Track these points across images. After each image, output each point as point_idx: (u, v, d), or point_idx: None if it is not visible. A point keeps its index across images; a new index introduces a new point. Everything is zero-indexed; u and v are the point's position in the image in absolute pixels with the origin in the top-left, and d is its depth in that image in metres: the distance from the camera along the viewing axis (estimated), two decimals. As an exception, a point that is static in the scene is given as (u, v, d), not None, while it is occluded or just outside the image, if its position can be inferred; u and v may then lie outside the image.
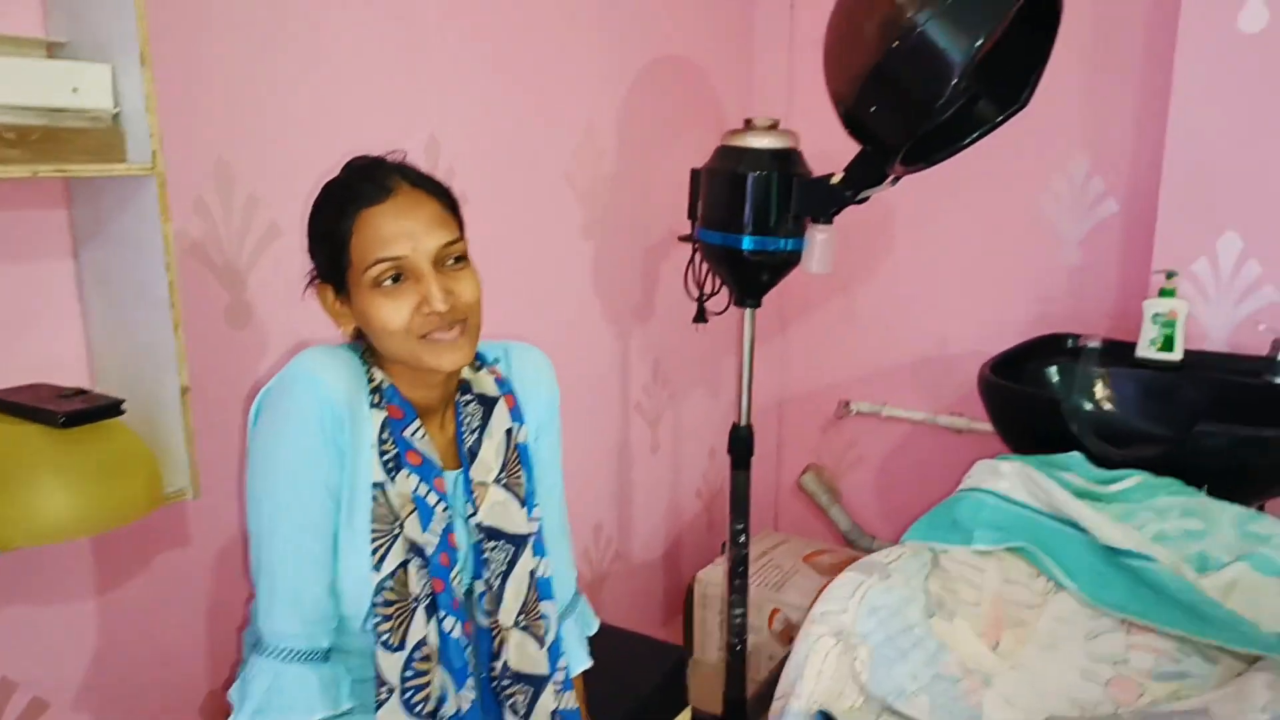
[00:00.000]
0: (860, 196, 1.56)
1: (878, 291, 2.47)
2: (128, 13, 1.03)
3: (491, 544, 1.05)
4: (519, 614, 1.06)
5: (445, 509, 1.01)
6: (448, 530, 1.01)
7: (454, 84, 1.65)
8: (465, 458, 1.06)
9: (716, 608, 2.29)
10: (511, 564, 1.06)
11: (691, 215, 1.76)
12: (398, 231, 0.94)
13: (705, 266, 1.83)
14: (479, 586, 1.05)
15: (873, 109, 1.39)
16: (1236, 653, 1.30)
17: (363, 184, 0.96)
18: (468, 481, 1.05)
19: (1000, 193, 2.25)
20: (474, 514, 1.05)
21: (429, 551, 0.98)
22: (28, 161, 0.98)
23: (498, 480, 1.06)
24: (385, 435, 0.99)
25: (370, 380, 1.01)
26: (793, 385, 2.68)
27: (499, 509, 1.05)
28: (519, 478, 1.08)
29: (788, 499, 2.76)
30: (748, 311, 1.78)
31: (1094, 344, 1.91)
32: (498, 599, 1.05)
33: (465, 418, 1.07)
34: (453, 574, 1.00)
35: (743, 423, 1.83)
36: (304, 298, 1.10)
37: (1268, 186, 1.80)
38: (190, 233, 1.28)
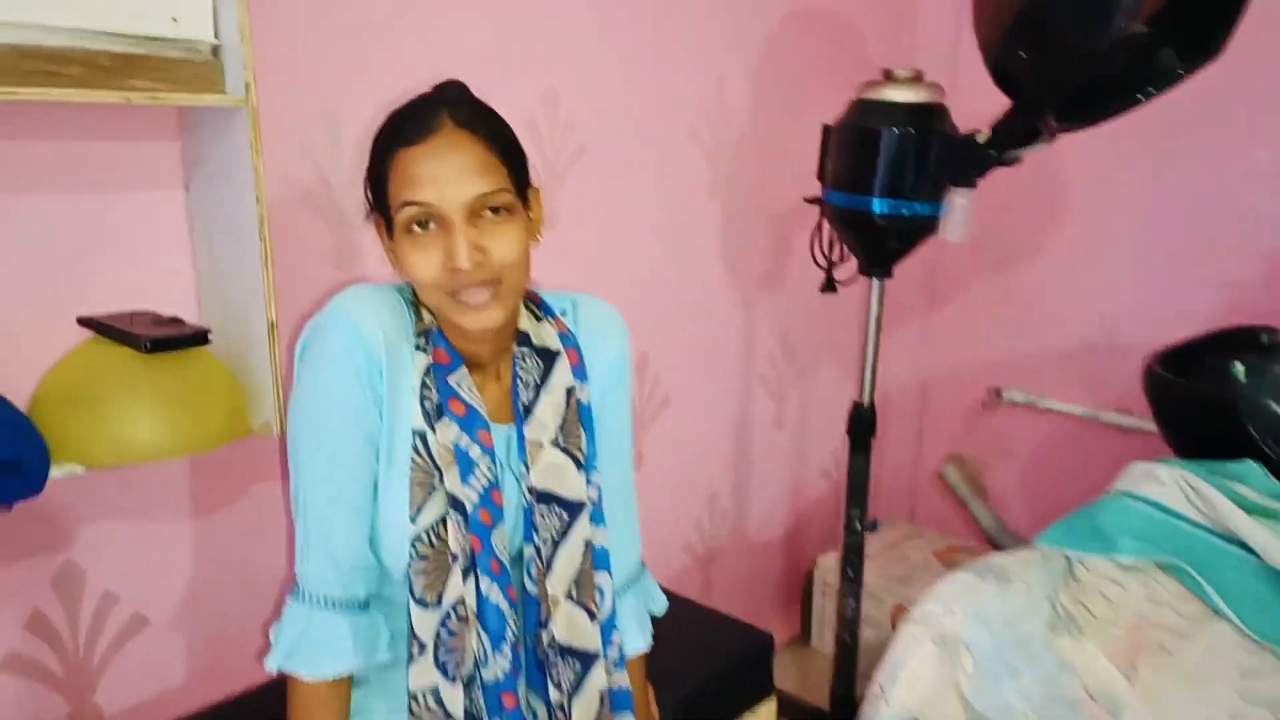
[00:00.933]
0: (1009, 156, 1.39)
1: (1040, 270, 2.24)
2: (227, -61, 1.03)
3: (543, 508, 0.99)
4: (571, 584, 1.00)
5: (490, 464, 0.95)
6: (492, 487, 0.95)
7: (575, 34, 1.59)
8: (520, 413, 1.00)
9: (835, 597, 2.17)
10: (565, 531, 0.99)
11: (821, 176, 1.63)
12: (426, 175, 0.87)
13: (832, 232, 1.70)
14: (528, 551, 1.00)
15: (1022, 54, 1.23)
16: None
17: (406, 120, 0.91)
18: (521, 439, 0.99)
19: (1187, 163, 1.97)
20: (526, 474, 0.99)
21: (468, 507, 0.94)
22: (123, 89, 1.00)
23: (554, 441, 1.00)
24: (428, 381, 0.94)
25: (418, 321, 0.97)
26: (938, 367, 2.49)
27: (554, 471, 0.99)
28: (578, 439, 1.01)
29: (925, 489, 2.58)
30: (874, 282, 1.64)
31: (1289, 339, 1.64)
32: (548, 567, 0.99)
33: (522, 371, 1.00)
34: (494, 534, 0.95)
35: (865, 401, 1.69)
36: (363, 226, 1.06)
37: None
38: (297, 175, 1.29)
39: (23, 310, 1.10)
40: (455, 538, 0.93)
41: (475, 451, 0.94)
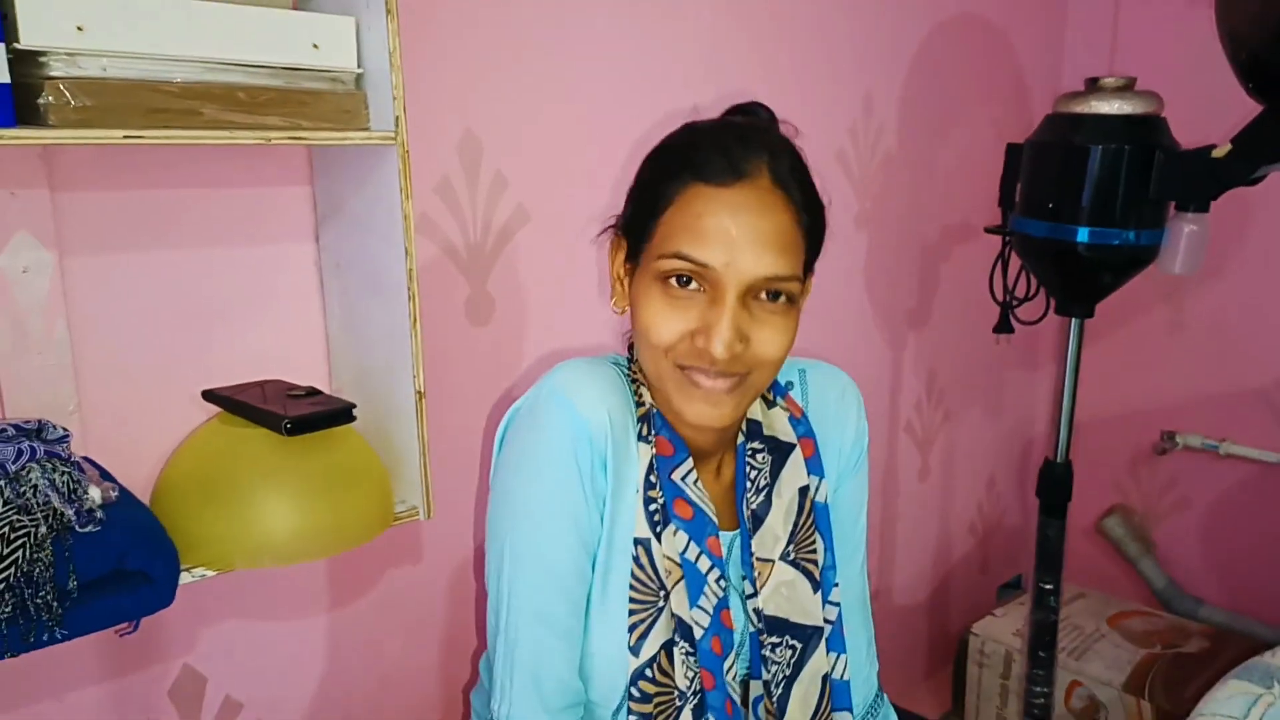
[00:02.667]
0: (1257, 174, 1.18)
1: (1217, 296, 1.99)
2: (372, -46, 0.88)
3: (774, 637, 0.80)
4: None
5: (720, 578, 0.77)
6: (721, 606, 0.77)
7: (719, 52, 1.42)
8: (744, 520, 0.82)
9: (997, 669, 1.93)
10: (799, 665, 0.80)
11: (1005, 202, 1.43)
12: (719, 232, 0.70)
13: (1018, 265, 1.50)
14: (755, 687, 0.81)
15: (1302, 50, 1.02)
16: None
17: (714, 150, 0.73)
18: (747, 550, 0.81)
19: None
20: (753, 595, 0.80)
21: (697, 633, 0.76)
22: (261, 128, 0.85)
23: (784, 555, 0.81)
24: (653, 478, 0.76)
25: (639, 403, 0.79)
26: (1095, 408, 2.24)
27: (785, 593, 0.80)
28: (813, 550, 0.82)
29: (1082, 543, 2.32)
30: (1074, 322, 1.43)
31: None
32: (781, 709, 0.80)
33: (750, 469, 0.82)
34: (726, 665, 0.77)
35: (1059, 459, 1.47)
36: (595, 240, 0.89)
37: None
38: (431, 214, 1.14)
39: (140, 383, 0.95)
40: (683, 672, 0.74)
41: (705, 564, 0.76)
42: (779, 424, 0.83)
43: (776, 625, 0.80)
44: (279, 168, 1.03)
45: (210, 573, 0.87)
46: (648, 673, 0.74)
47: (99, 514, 0.77)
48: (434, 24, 1.10)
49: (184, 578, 0.86)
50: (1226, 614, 2.06)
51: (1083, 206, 1.29)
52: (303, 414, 0.89)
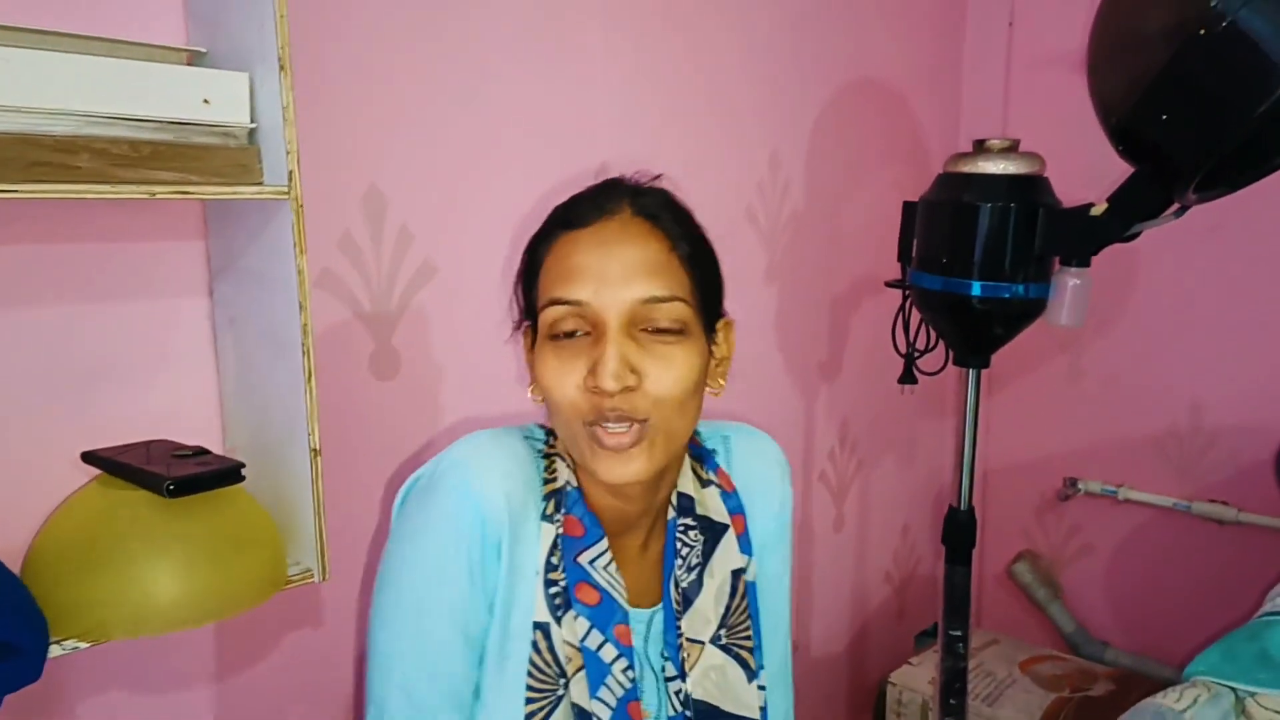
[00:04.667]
0: (1131, 231, 1.24)
1: (1112, 346, 2.08)
2: (266, 12, 0.88)
3: None
4: None
5: (627, 668, 0.75)
6: (628, 698, 0.74)
7: (626, 110, 1.45)
8: (670, 602, 0.79)
9: (914, 718, 1.95)
10: None
11: (903, 256, 1.48)
12: (586, 268, 0.69)
13: (918, 318, 1.54)
14: None
15: (1163, 117, 1.09)
16: None
17: (582, 202, 0.74)
18: (673, 630, 0.78)
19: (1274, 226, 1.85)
20: (677, 677, 0.78)
21: None
22: (147, 182, 0.83)
23: (715, 639, 0.79)
24: (556, 560, 0.74)
25: (549, 479, 0.76)
26: (1000, 457, 2.31)
27: (715, 678, 0.78)
28: (745, 633, 0.80)
29: (994, 590, 2.38)
30: (971, 372, 1.48)
31: None
32: None
33: (680, 545, 0.79)
34: None
35: (962, 506, 1.51)
36: (509, 340, 0.88)
37: None
38: (334, 269, 1.12)
39: (14, 445, 0.91)
40: None
41: (609, 653, 0.74)
42: (712, 503, 0.82)
43: (707, 713, 0.77)
44: (171, 222, 1.01)
45: (84, 644, 0.83)
46: None
47: (-41, 584, 0.73)
48: (333, 80, 1.10)
49: (54, 650, 0.81)
50: (1132, 657, 2.12)
51: (974, 261, 1.34)
52: (187, 474, 0.86)
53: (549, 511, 0.75)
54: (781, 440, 1.90)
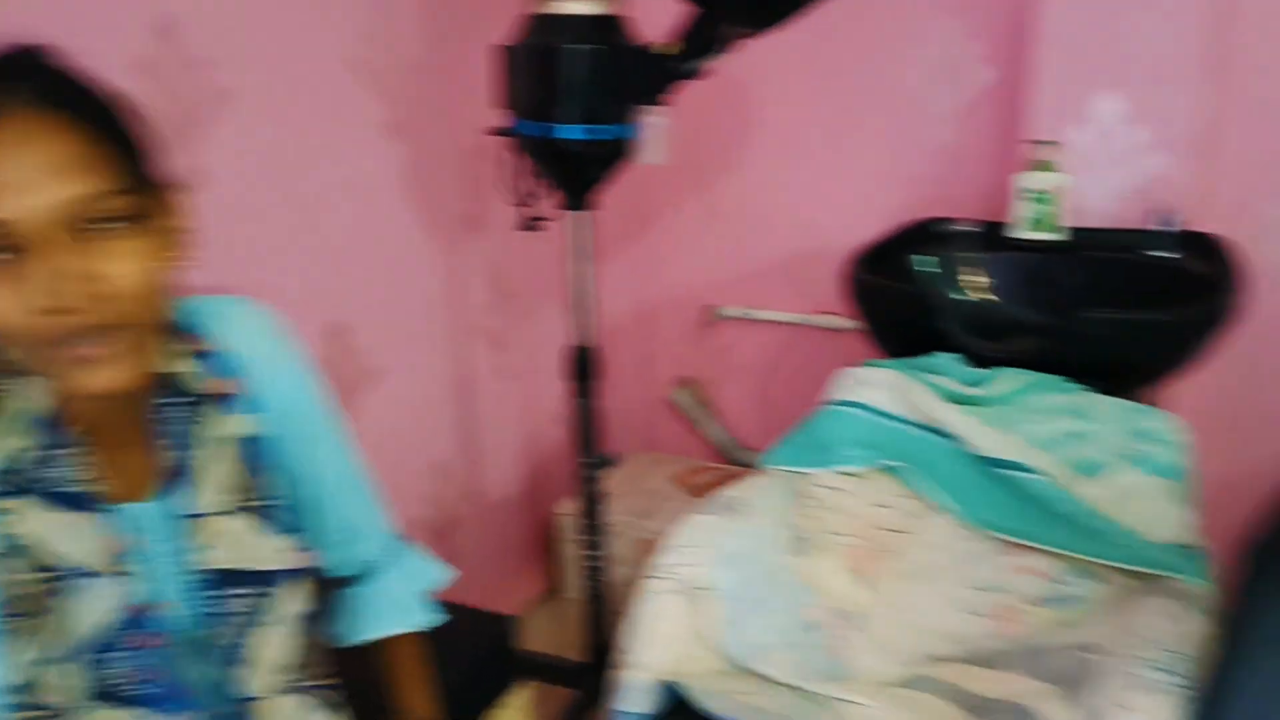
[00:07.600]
0: (688, 68, 1.31)
1: (739, 184, 2.24)
2: None
3: (229, 591, 0.77)
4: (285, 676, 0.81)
5: (121, 567, 0.73)
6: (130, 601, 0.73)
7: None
8: (167, 485, 0.77)
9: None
10: (261, 611, 0.79)
11: (503, 103, 1.47)
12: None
13: (528, 165, 1.56)
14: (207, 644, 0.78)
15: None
16: (1129, 570, 1.16)
17: None
18: (175, 514, 0.77)
19: (860, 63, 2.03)
20: (191, 553, 0.77)
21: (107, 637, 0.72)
22: None
23: (223, 508, 0.78)
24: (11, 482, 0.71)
25: None
26: (659, 293, 2.45)
27: (230, 543, 0.78)
28: (262, 492, 0.80)
29: (662, 416, 2.57)
30: (573, 215, 1.52)
31: (965, 228, 1.72)
32: (246, 655, 0.78)
33: (164, 425, 0.77)
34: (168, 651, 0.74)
35: (579, 343, 1.59)
36: None
37: (1153, 42, 1.62)
38: None
39: None
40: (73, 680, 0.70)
41: (99, 560, 0.72)
42: (186, 369, 0.78)
43: (222, 578, 0.78)
44: None
45: None
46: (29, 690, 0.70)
47: None
48: None
49: None
50: (775, 457, 2.39)
51: (563, 105, 1.36)
52: None
53: None
54: (427, 296, 1.90)
